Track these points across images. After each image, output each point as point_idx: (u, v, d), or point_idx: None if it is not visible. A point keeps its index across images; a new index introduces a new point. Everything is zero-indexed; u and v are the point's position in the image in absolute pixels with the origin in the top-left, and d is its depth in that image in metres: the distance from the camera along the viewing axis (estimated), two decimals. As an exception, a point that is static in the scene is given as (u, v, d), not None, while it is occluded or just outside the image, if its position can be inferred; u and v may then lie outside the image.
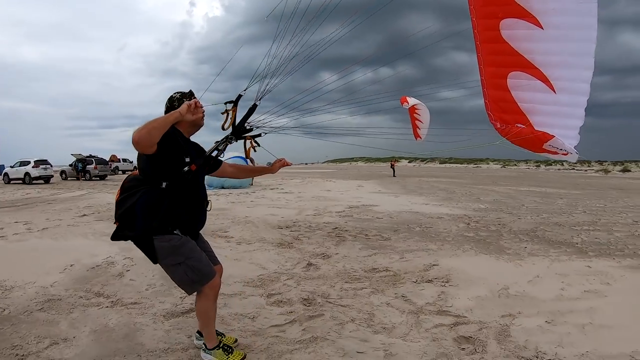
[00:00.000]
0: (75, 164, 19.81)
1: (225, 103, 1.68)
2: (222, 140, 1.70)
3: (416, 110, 6.24)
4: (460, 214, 6.21)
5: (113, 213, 1.60)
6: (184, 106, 1.32)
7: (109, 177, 20.54)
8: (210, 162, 1.67)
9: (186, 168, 1.47)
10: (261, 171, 2.13)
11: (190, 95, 1.52)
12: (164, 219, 1.47)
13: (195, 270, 1.52)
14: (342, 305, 2.44)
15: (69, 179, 20.28)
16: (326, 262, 3.47)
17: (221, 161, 1.78)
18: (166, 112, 1.48)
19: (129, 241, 1.55)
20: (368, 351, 1.85)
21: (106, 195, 10.41)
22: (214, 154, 1.64)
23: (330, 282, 2.89)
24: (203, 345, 1.70)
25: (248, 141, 1.77)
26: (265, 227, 5.08)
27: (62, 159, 22.75)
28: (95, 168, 19.41)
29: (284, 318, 2.29)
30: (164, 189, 1.45)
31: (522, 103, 2.21)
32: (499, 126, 2.13)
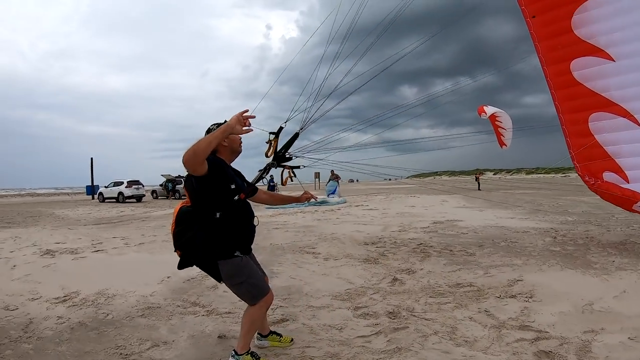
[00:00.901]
0: (165, 184, 35.80)
1: (270, 133, 3.42)
2: (264, 168, 3.57)
3: (497, 118, 10.28)
4: (546, 227, 9.49)
5: None
6: (234, 117, 2.55)
7: None
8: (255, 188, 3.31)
9: (236, 197, 2.94)
10: (291, 200, 3.80)
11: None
12: (224, 245, 2.93)
13: (255, 287, 3.06)
14: (425, 319, 4.10)
15: (159, 198, 37.07)
16: (411, 277, 5.69)
17: (257, 188, 3.37)
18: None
19: None
20: (449, 363, 3.26)
21: None
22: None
23: (415, 297, 4.82)
24: (233, 352, 3.19)
25: (287, 170, 3.60)
26: (351, 244, 8.19)
27: (150, 179, 42.87)
28: (184, 188, 31.01)
29: (370, 329, 3.92)
30: (219, 218, 2.88)
31: (609, 146, 4.54)
32: (587, 179, 4.52)
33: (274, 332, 3.74)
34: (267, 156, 3.80)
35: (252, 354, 3.20)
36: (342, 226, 11.23)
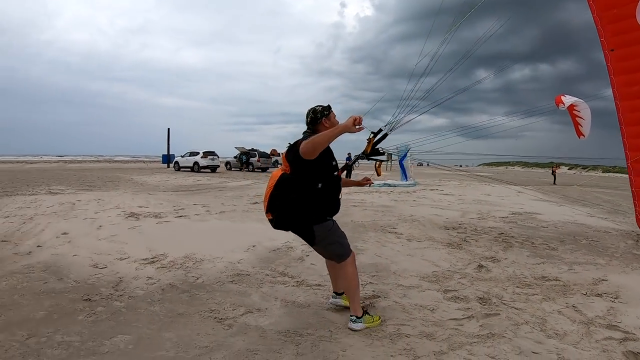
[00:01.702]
0: (239, 156, 38.36)
1: (371, 132, 4.21)
2: (358, 156, 4.35)
3: (575, 108, 11.18)
4: (627, 229, 9.64)
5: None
6: (350, 120, 3.09)
7: (270, 169, 36.33)
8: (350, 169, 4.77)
9: (335, 173, 3.61)
10: (354, 184, 4.48)
11: (329, 107, 3.55)
12: (321, 211, 3.53)
13: (343, 246, 3.68)
14: (515, 308, 4.27)
15: (232, 169, 39.05)
16: (496, 265, 5.91)
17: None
18: (310, 121, 3.52)
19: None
20: (542, 352, 3.34)
21: None
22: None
23: (502, 285, 5.00)
24: (354, 317, 3.65)
25: (376, 163, 4.45)
26: (432, 227, 8.57)
27: (222, 152, 40.68)
28: (258, 161, 36.55)
29: (462, 313, 4.08)
30: (320, 189, 3.44)
31: None
32: None
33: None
34: (366, 152, 4.36)
35: (366, 312, 3.76)
36: (419, 209, 11.66)
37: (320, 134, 3.19)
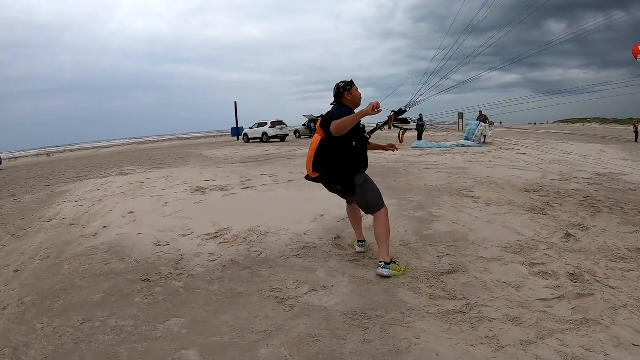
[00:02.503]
0: (308, 123, 38.77)
1: (392, 111, 4.49)
2: (383, 123, 4.60)
3: None
4: None
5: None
6: (369, 107, 3.67)
7: None
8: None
9: (366, 134, 4.27)
10: (379, 147, 4.83)
11: (352, 83, 4.10)
12: (357, 165, 4.11)
13: (378, 195, 4.19)
14: (610, 287, 3.75)
15: (302, 137, 39.55)
16: (585, 234, 5.32)
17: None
18: (335, 95, 4.13)
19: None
20: (644, 345, 3.00)
21: None
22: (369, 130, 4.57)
23: (593, 258, 4.47)
24: (382, 263, 4.03)
25: (401, 131, 4.83)
26: (511, 189, 8.14)
27: (291, 120, 42.12)
28: None
29: (551, 292, 3.66)
30: (354, 146, 4.03)
31: None
32: None
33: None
34: (387, 128, 4.74)
35: (395, 262, 4.17)
36: (496, 170, 11.00)
37: (345, 118, 3.76)
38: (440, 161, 13.22)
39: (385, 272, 3.96)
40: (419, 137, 24.52)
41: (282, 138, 35.38)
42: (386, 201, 4.35)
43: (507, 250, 4.69)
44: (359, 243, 4.74)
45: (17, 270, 4.78)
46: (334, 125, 3.79)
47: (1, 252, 5.67)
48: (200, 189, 8.98)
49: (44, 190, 11.79)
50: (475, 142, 20.04)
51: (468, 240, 5.06)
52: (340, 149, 4.05)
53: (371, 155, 4.53)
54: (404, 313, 3.28)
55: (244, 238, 5.28)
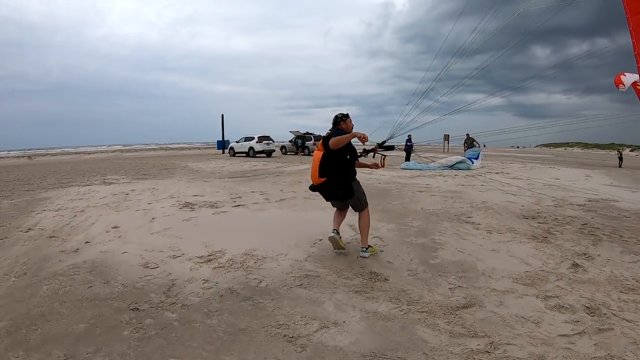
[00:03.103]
0: (295, 140, 38.66)
1: (377, 144, 6.14)
2: (369, 150, 6.10)
3: (638, 84, 13.93)
4: None
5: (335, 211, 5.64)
6: (360, 133, 5.00)
7: None
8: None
9: (358, 153, 5.60)
10: (364, 166, 5.87)
11: (347, 115, 5.49)
12: (352, 174, 5.33)
13: (365, 197, 5.52)
14: (627, 320, 3.73)
15: (288, 153, 39.34)
16: (591, 264, 5.30)
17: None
18: (334, 123, 5.46)
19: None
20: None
21: None
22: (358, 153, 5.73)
23: (604, 290, 4.45)
24: (364, 248, 5.29)
25: (382, 157, 6.21)
26: (509, 216, 8.13)
27: (277, 136, 41.95)
28: (314, 144, 36.17)
29: (571, 327, 3.56)
30: (348, 159, 5.26)
31: None
32: None
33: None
34: (374, 152, 6.12)
35: (370, 246, 5.38)
36: (490, 194, 10.99)
37: (340, 137, 5.03)
38: (432, 184, 13.08)
39: (365, 254, 5.23)
40: (407, 158, 24.43)
41: (269, 153, 35.17)
42: (385, 225, 6.09)
43: (518, 281, 4.58)
44: (334, 231, 5.39)
45: (-10, 289, 4.37)
46: (332, 140, 5.05)
47: (-27, 266, 5.25)
48: (188, 205, 8.58)
49: (23, 196, 11.30)
50: (464, 165, 19.84)
51: (477, 270, 4.92)
52: (337, 161, 5.22)
53: (362, 175, 5.43)
54: (426, 354, 3.06)
55: (241, 263, 4.92)
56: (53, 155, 51.83)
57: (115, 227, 6.74)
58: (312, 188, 5.45)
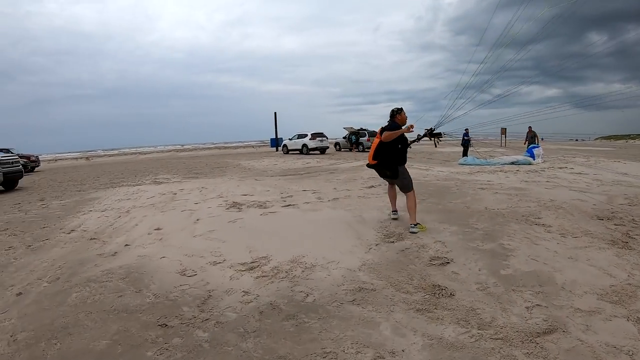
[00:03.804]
0: (349, 136, 38.25)
1: (425, 129, 7.14)
2: (422, 135, 7.34)
3: None
4: None
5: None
6: (406, 128, 6.35)
7: None
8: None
9: (408, 143, 6.94)
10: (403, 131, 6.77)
11: (401, 109, 6.66)
12: (400, 160, 6.54)
13: (411, 181, 6.64)
14: None
15: (342, 150, 39.19)
16: None
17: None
18: (390, 115, 6.60)
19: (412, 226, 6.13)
20: None
21: None
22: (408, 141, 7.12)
23: None
24: (412, 225, 6.20)
25: (435, 139, 7.33)
26: (581, 216, 7.34)
27: (329, 132, 40.66)
28: (368, 140, 35.63)
29: None
30: (399, 148, 6.50)
31: None
32: None
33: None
34: (426, 136, 6.99)
35: (419, 223, 6.19)
36: (557, 192, 10.01)
37: (392, 132, 6.06)
38: (493, 180, 12.20)
39: (414, 230, 5.97)
40: (465, 153, 23.44)
41: (323, 150, 34.76)
42: (447, 227, 6.17)
43: (604, 298, 3.89)
44: (393, 212, 6.91)
45: (20, 294, 4.18)
46: (385, 135, 6.15)
47: (10, 268, 5.10)
48: (236, 205, 8.23)
49: (74, 196, 11.42)
50: (525, 160, 18.75)
51: (556, 283, 4.21)
52: (389, 149, 6.29)
53: (419, 172, 6.57)
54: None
55: (286, 272, 4.43)
56: (110, 156, 53.87)
57: (158, 229, 6.46)
58: (368, 165, 6.67)
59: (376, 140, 6.41)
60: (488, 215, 7.09)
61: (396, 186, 6.70)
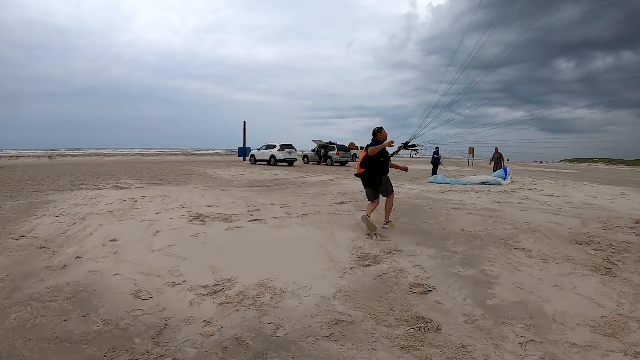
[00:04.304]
0: (318, 149, 38.43)
1: (403, 143, 8.29)
2: (399, 148, 8.38)
3: None
4: None
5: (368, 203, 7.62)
6: (387, 142, 7.45)
7: (349, 163, 37.79)
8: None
9: (389, 156, 8.02)
10: (398, 167, 8.77)
11: (382, 128, 7.77)
12: (384, 171, 7.71)
13: (391, 186, 7.92)
14: None
15: (310, 163, 39.27)
16: None
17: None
18: (373, 134, 7.70)
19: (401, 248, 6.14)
20: None
21: (355, 182, 16.89)
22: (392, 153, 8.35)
23: None
24: (386, 222, 7.73)
25: (413, 151, 8.51)
26: (559, 240, 7.21)
27: (298, 145, 40.26)
28: (337, 154, 36.96)
29: None
30: (382, 161, 7.63)
31: None
32: None
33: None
34: (401, 148, 8.01)
35: (390, 221, 7.54)
36: (531, 214, 9.96)
37: (376, 147, 7.03)
38: (466, 200, 12.09)
39: (387, 226, 7.35)
40: (434, 172, 23.56)
41: (291, 162, 34.39)
42: (424, 250, 5.92)
43: (597, 331, 3.75)
44: (365, 216, 7.05)
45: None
46: (370, 150, 7.04)
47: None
48: (200, 217, 7.72)
49: (30, 197, 10.72)
50: (494, 181, 18.86)
51: (546, 315, 4.00)
52: (374, 161, 7.20)
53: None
54: None
55: (253, 298, 3.99)
56: (74, 156, 52.14)
57: (114, 241, 5.92)
58: (356, 175, 7.58)
59: (363, 154, 7.43)
60: (465, 237, 6.87)
61: (375, 195, 7.53)
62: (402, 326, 3.53)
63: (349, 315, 3.66)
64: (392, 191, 7.57)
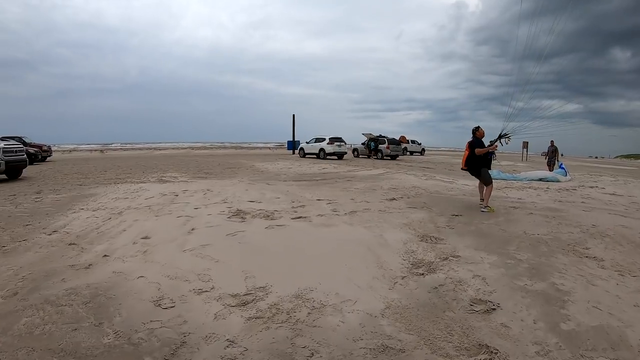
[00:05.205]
0: (368, 143, 38.15)
1: (499, 135, 10.14)
2: (494, 140, 10.20)
3: None
4: None
5: (422, 200, 10.27)
6: (492, 148, 9.76)
7: (400, 157, 37.64)
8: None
9: (491, 151, 10.21)
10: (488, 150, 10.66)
11: (479, 127, 9.56)
12: (485, 165, 9.85)
13: (490, 179, 9.74)
14: None
15: (360, 156, 39.08)
16: None
17: None
18: (472, 133, 9.54)
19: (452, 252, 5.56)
20: None
21: (406, 176, 16.93)
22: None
23: None
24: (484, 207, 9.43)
25: (504, 140, 10.12)
26: (631, 247, 6.35)
27: (347, 138, 41.38)
28: (388, 148, 36.34)
29: None
30: (482, 156, 9.82)
31: None
32: None
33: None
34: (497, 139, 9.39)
35: (489, 206, 8.92)
36: (596, 215, 9.13)
37: (483, 149, 8.85)
38: (524, 198, 11.32)
39: (485, 210, 8.63)
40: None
41: (340, 156, 33.89)
42: (485, 256, 5.25)
43: None
44: (480, 202, 9.01)
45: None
46: (477, 151, 8.72)
47: (-30, 274, 4.30)
48: (240, 213, 7.34)
49: (72, 191, 10.72)
50: (552, 177, 17.87)
51: (630, 345, 3.22)
52: (478, 158, 8.85)
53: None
54: None
55: (288, 313, 3.46)
56: (125, 150, 53.62)
57: (145, 238, 5.62)
58: (462, 169, 9.29)
59: (466, 152, 9.05)
60: (529, 242, 6.15)
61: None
62: (462, 356, 2.92)
63: (399, 340, 3.07)
64: (491, 182, 9.01)
